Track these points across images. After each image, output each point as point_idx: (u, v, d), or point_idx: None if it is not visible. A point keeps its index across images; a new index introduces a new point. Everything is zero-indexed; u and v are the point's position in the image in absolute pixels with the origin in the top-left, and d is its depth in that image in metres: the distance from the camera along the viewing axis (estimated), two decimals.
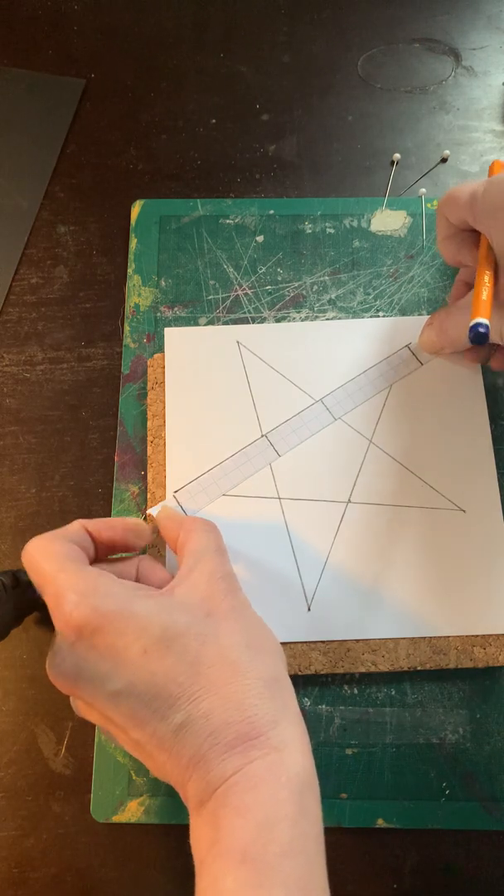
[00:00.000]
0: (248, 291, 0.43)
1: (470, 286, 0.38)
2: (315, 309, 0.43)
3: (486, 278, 0.34)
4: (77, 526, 0.31)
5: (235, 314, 0.43)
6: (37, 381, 0.43)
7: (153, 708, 0.26)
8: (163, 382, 0.40)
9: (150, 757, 0.27)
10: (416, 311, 0.42)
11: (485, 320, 0.32)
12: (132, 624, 0.26)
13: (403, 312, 0.42)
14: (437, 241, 0.37)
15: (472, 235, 0.36)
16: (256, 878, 0.23)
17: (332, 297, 0.43)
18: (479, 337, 0.32)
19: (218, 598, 0.29)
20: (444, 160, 0.47)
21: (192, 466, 0.38)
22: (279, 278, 0.43)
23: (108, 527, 0.32)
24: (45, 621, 0.38)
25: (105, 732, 0.30)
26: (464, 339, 0.36)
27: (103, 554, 0.32)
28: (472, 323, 0.32)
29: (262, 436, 0.39)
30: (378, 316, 0.42)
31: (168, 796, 0.35)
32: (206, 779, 0.25)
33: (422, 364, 0.40)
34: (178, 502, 0.38)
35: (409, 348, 0.41)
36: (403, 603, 0.36)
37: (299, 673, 0.35)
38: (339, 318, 0.42)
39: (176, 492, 0.38)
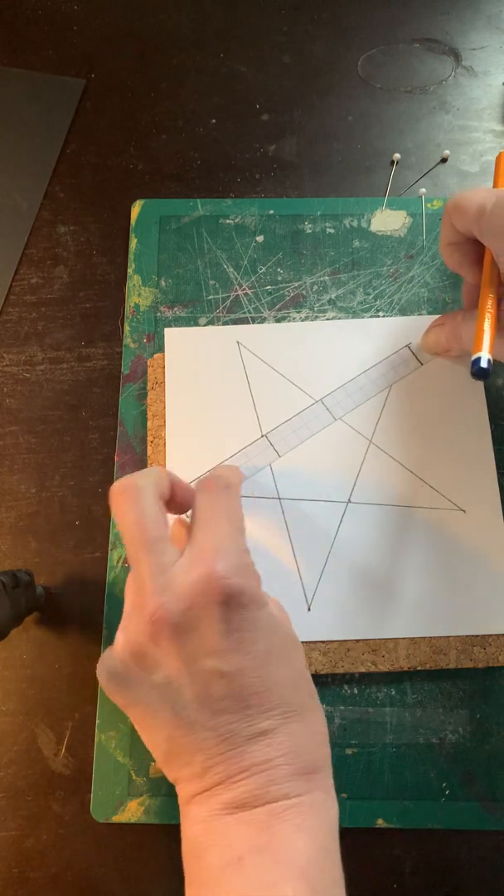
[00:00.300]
0: (248, 291, 0.43)
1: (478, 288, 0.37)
2: (315, 309, 0.43)
3: (490, 303, 0.33)
4: (239, 476, 0.31)
5: (235, 314, 0.43)
6: (37, 381, 0.43)
7: (246, 704, 0.26)
8: (163, 382, 0.40)
9: (192, 742, 0.26)
10: (416, 311, 0.42)
11: (487, 355, 0.31)
12: (269, 622, 0.27)
13: (403, 312, 0.42)
14: (441, 245, 0.37)
15: (476, 246, 0.35)
16: (312, 894, 0.24)
17: (332, 297, 0.43)
18: (480, 372, 0.31)
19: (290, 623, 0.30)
20: (444, 160, 0.47)
21: (192, 466, 0.38)
22: (279, 278, 0.43)
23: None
24: (45, 621, 0.38)
25: (113, 689, 0.28)
26: None
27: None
28: (472, 357, 0.31)
29: (262, 436, 0.39)
30: (378, 316, 0.42)
31: (168, 796, 0.35)
32: (266, 789, 0.25)
33: (422, 364, 0.40)
34: None
35: (410, 348, 0.41)
36: (403, 603, 0.36)
37: None
38: (339, 318, 0.42)
39: None
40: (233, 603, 0.25)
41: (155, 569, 0.26)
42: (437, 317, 0.40)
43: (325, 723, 0.28)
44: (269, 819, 0.25)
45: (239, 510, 0.29)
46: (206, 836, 0.26)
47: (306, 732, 0.27)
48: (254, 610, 0.26)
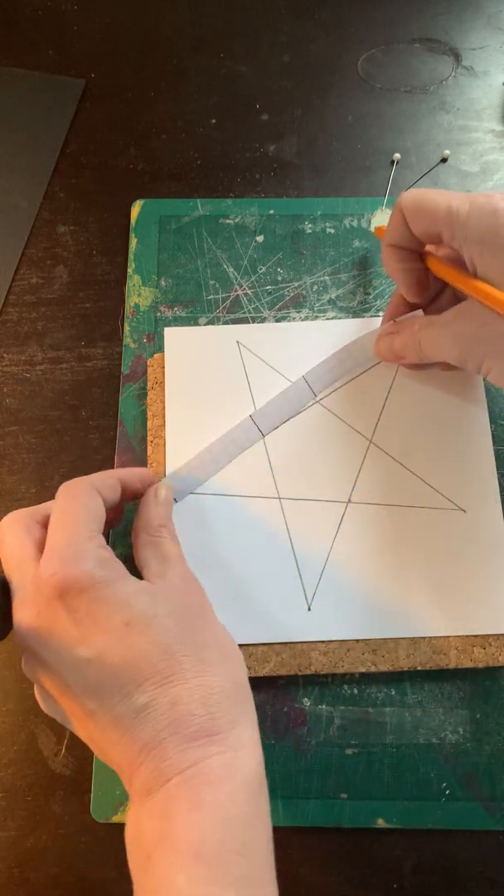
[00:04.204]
0: (248, 291, 0.43)
1: (407, 303, 0.37)
2: (315, 309, 0.43)
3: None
4: (113, 478, 0.32)
5: (235, 314, 0.43)
6: (37, 381, 0.43)
7: (120, 682, 0.26)
8: (163, 382, 0.40)
9: (102, 734, 0.26)
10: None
11: None
12: (119, 595, 0.27)
13: None
14: (384, 244, 0.35)
15: (418, 257, 0.34)
16: (210, 875, 0.23)
17: (332, 297, 0.43)
18: None
19: (193, 596, 0.30)
20: (444, 160, 0.47)
21: None
22: (279, 278, 0.43)
23: (138, 476, 0.34)
24: None
25: (49, 708, 0.29)
26: (436, 357, 0.35)
27: (127, 500, 0.34)
28: None
29: (257, 432, 0.39)
30: (378, 316, 0.42)
31: None
32: (160, 767, 0.25)
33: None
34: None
35: None
36: (403, 603, 0.36)
37: (299, 673, 0.35)
38: (339, 318, 0.42)
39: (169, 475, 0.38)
40: (69, 593, 0.26)
41: (16, 589, 0.28)
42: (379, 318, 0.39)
43: (230, 678, 0.28)
44: (167, 802, 0.25)
45: (86, 502, 0.29)
46: (130, 834, 0.26)
47: (193, 696, 0.26)
48: (99, 590, 0.27)
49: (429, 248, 0.35)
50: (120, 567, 0.28)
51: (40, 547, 0.29)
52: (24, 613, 0.27)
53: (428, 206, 0.31)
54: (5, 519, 0.30)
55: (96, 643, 0.26)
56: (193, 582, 0.31)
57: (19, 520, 0.30)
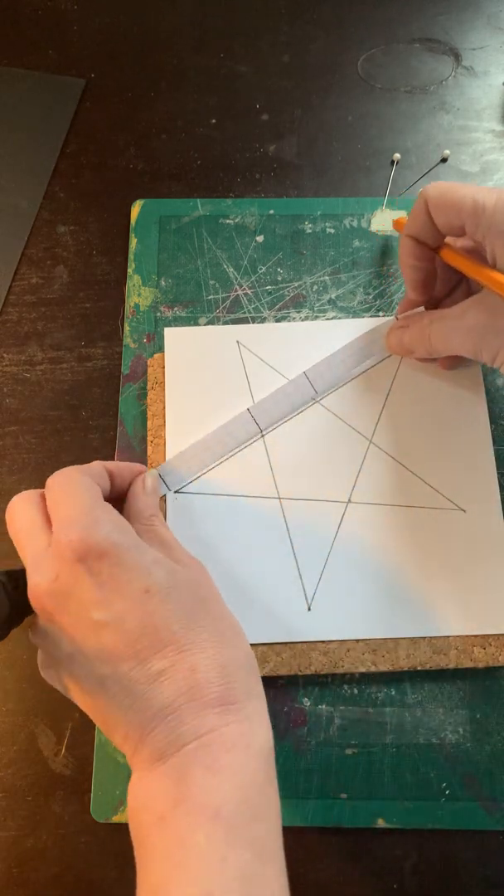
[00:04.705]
0: (248, 291, 0.43)
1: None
2: (315, 309, 0.43)
3: None
4: (98, 466, 0.32)
5: (235, 314, 0.43)
6: (37, 381, 0.43)
7: (136, 648, 0.26)
8: (163, 382, 0.40)
9: (110, 701, 0.26)
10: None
11: None
12: (140, 562, 0.27)
13: None
14: (404, 234, 0.35)
15: (431, 254, 0.35)
16: (228, 836, 0.24)
17: (332, 297, 0.43)
18: None
19: (202, 574, 0.31)
20: (444, 160, 0.47)
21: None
22: (279, 278, 0.43)
23: (128, 469, 0.34)
24: None
25: (49, 675, 0.29)
26: (446, 351, 0.36)
27: (117, 496, 0.34)
28: None
29: (255, 426, 0.39)
30: (378, 316, 0.42)
31: None
32: (176, 732, 0.25)
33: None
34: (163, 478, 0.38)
35: None
36: (403, 603, 0.36)
37: (299, 673, 0.35)
38: (339, 318, 0.42)
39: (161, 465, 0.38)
40: (90, 556, 0.26)
41: (30, 557, 0.28)
42: (389, 318, 0.40)
43: (243, 652, 0.28)
44: (183, 767, 0.25)
45: (83, 480, 0.30)
46: (136, 800, 0.26)
47: (211, 665, 0.26)
48: (120, 554, 0.27)
49: (448, 240, 0.35)
50: (134, 533, 0.29)
51: (49, 519, 0.29)
52: (41, 577, 0.27)
53: (453, 198, 0.31)
54: (16, 497, 0.30)
55: (116, 607, 0.26)
56: (197, 561, 0.31)
57: (28, 496, 0.30)
